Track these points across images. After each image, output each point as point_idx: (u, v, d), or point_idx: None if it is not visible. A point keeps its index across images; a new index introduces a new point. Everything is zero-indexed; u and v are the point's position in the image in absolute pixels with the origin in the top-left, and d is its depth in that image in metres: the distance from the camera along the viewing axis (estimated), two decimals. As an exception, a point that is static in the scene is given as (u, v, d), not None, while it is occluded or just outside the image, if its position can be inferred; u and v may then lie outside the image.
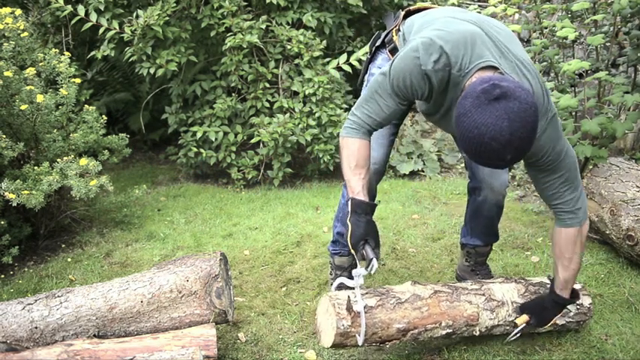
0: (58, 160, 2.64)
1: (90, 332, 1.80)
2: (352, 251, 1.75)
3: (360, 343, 1.72)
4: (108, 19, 3.58)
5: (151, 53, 3.57)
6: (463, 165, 4.07)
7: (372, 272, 1.69)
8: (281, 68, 3.79)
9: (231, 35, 3.56)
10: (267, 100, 3.75)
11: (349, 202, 1.75)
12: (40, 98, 2.58)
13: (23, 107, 2.54)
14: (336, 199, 3.45)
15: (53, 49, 3.02)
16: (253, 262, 2.68)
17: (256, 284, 2.47)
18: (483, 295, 1.90)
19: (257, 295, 2.38)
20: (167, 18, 3.48)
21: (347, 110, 3.89)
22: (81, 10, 3.57)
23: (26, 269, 2.71)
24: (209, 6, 3.63)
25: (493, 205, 2.19)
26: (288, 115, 3.68)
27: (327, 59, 3.83)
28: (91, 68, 4.49)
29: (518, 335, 1.91)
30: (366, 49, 3.84)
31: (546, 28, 3.07)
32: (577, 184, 1.72)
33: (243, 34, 3.54)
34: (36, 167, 2.61)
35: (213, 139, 3.70)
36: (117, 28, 3.56)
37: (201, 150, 3.77)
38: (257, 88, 3.73)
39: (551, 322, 1.89)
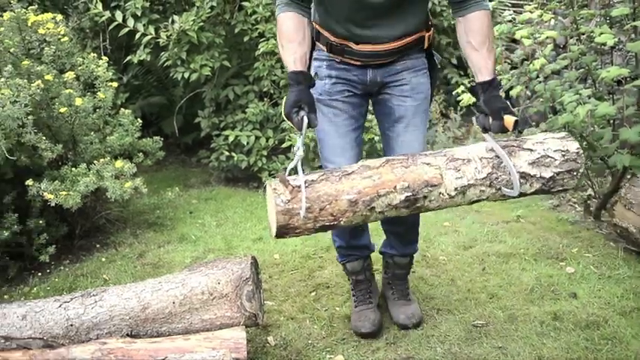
0: (95, 161, 2.70)
1: (123, 331, 1.83)
2: (287, 120, 1.72)
3: (302, 215, 1.57)
4: (144, 25, 3.66)
5: (185, 58, 3.63)
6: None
7: (310, 128, 1.67)
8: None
9: (264, 41, 3.59)
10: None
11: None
12: (78, 101, 2.65)
13: (62, 110, 2.61)
14: (366, 205, 3.44)
15: (91, 54, 3.10)
16: (283, 266, 2.69)
17: (286, 288, 2.48)
18: (445, 155, 1.71)
19: (286, 299, 2.39)
20: (202, 23, 3.54)
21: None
22: (118, 15, 3.66)
23: (62, 268, 2.78)
24: (243, 12, 3.68)
25: None
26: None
27: (359, 64, 3.83)
28: (127, 72, 4.59)
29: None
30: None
31: (584, 34, 3.00)
32: None
33: (275, 40, 3.56)
34: (73, 168, 2.67)
35: (245, 143, 3.73)
36: (153, 33, 3.63)
37: (233, 154, 3.81)
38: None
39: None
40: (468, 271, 2.56)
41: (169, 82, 4.60)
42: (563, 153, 1.72)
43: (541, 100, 2.88)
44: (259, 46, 3.59)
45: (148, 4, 3.74)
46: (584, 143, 2.80)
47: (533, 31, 2.72)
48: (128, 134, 3.02)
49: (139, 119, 3.15)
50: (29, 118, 2.44)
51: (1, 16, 2.90)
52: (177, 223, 3.29)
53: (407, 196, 1.66)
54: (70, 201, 2.49)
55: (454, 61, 4.77)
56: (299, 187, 1.58)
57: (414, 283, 2.44)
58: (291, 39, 1.77)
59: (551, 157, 1.71)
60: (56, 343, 1.79)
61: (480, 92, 1.78)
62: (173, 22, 3.58)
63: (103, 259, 2.85)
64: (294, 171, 1.64)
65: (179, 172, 4.39)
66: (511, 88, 2.84)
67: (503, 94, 1.79)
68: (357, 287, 2.21)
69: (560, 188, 1.76)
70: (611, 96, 3.11)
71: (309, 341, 2.09)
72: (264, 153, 3.78)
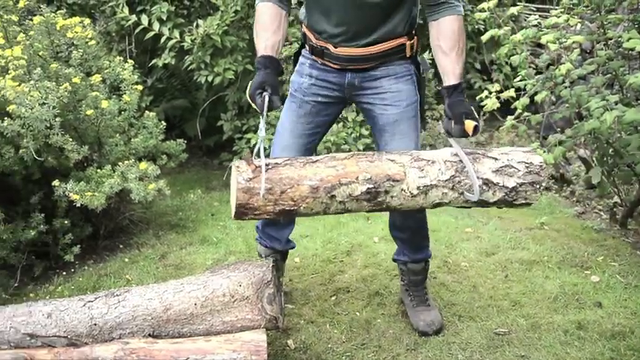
0: (120, 163, 2.74)
1: (145, 332, 1.85)
2: (251, 102, 1.77)
3: (261, 195, 1.59)
4: (169, 29, 3.70)
5: (209, 61, 3.66)
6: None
7: (271, 109, 1.72)
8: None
9: (287, 45, 3.61)
10: (321, 109, 3.77)
11: None
12: (104, 104, 2.69)
13: (89, 112, 2.66)
14: (387, 210, 3.43)
15: (117, 57, 3.15)
16: (303, 269, 2.69)
17: (306, 292, 2.48)
18: (410, 155, 1.75)
19: (306, 303, 2.39)
20: (226, 27, 3.57)
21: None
22: (144, 19, 3.71)
23: (86, 267, 2.82)
24: (266, 16, 3.69)
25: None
26: (341, 124, 3.69)
27: (382, 69, 3.82)
28: (152, 75, 4.65)
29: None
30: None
31: (611, 39, 2.96)
32: None
33: (298, 44, 3.58)
34: (99, 170, 2.71)
35: (267, 147, 3.74)
36: (178, 37, 3.68)
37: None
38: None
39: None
40: (490, 277, 2.53)
41: (193, 86, 4.65)
42: (526, 165, 1.75)
43: (566, 105, 2.84)
44: (282, 50, 3.60)
45: (173, 9, 3.79)
46: (611, 150, 2.75)
47: (560, 36, 2.68)
48: (152, 137, 3.06)
49: (162, 122, 3.18)
50: (57, 120, 2.48)
51: (31, 20, 2.96)
52: (198, 225, 3.32)
53: (368, 188, 1.68)
54: (95, 202, 2.52)
55: (477, 65, 4.73)
56: (259, 168, 1.61)
57: (435, 289, 2.43)
58: (265, 28, 1.86)
59: (515, 168, 1.74)
60: (80, 342, 1.82)
61: (445, 96, 1.82)
62: (198, 26, 3.62)
63: (126, 260, 2.89)
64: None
65: (201, 174, 4.42)
66: (536, 93, 2.80)
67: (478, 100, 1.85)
68: None
69: (524, 201, 1.77)
70: (639, 102, 3.05)
71: (329, 345, 2.08)
72: (286, 156, 3.79)
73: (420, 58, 2.01)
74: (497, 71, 4.63)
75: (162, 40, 3.72)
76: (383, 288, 2.46)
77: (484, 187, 1.72)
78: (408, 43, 1.93)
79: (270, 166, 1.64)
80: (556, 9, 2.92)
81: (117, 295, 1.89)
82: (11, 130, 2.39)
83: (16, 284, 2.63)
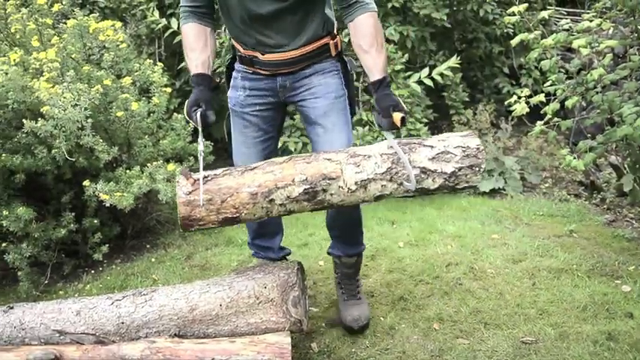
0: (148, 164, 2.78)
1: (171, 331, 1.87)
2: (188, 119, 1.85)
3: (200, 203, 1.68)
4: (198, 32, 3.74)
5: (236, 65, 3.69)
6: (547, 185, 3.90)
7: (207, 124, 1.80)
8: (361, 81, 3.80)
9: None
10: (347, 113, 3.77)
11: None
12: (134, 106, 2.74)
13: (119, 114, 2.70)
14: (413, 214, 3.41)
15: (147, 60, 3.20)
16: (327, 273, 2.69)
17: (330, 295, 2.47)
18: (347, 152, 1.78)
19: (331, 306, 2.39)
20: (253, 31, 3.59)
21: (427, 124, 3.84)
22: (174, 23, 3.76)
23: (114, 266, 2.86)
24: (294, 19, 3.71)
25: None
26: (367, 127, 3.68)
27: (409, 73, 3.81)
28: (180, 78, 4.70)
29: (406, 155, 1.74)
30: (449, 63, 3.80)
31: (645, 43, 2.89)
32: None
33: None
34: (128, 171, 2.76)
35: (293, 150, 3.76)
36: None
37: (280, 160, 3.84)
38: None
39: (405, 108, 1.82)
40: (517, 285, 2.49)
41: (220, 88, 4.69)
42: (463, 149, 1.76)
43: (598, 111, 2.78)
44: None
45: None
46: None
47: (592, 40, 2.63)
48: (180, 138, 3.10)
49: (190, 124, 3.22)
50: (88, 121, 2.53)
51: (65, 24, 3.03)
52: (224, 227, 3.34)
53: (305, 189, 1.73)
54: (124, 202, 2.56)
55: (506, 70, 4.68)
56: (198, 181, 1.70)
57: (460, 296, 2.40)
58: (192, 48, 1.92)
59: (452, 153, 1.75)
60: (107, 340, 1.85)
61: (373, 91, 1.87)
62: (226, 29, 3.65)
63: (153, 260, 2.93)
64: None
65: (227, 176, 4.45)
66: (566, 98, 2.76)
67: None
68: None
69: (466, 185, 1.79)
70: (673, 108, 2.98)
71: (353, 350, 2.08)
72: (311, 159, 3.80)
73: (347, 58, 2.07)
74: (525, 76, 4.57)
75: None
76: (407, 293, 2.45)
77: (422, 176, 1.74)
78: (331, 42, 1.99)
79: (209, 178, 1.73)
80: (588, 13, 2.87)
81: (144, 294, 1.91)
82: (44, 131, 2.45)
83: (46, 281, 2.69)
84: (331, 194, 1.76)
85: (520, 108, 2.81)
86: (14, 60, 2.58)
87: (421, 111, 3.82)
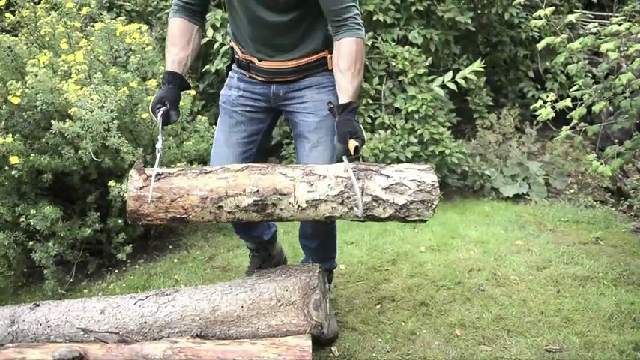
0: (172, 165, 2.81)
1: (193, 331, 1.88)
2: (152, 116, 1.87)
3: (148, 201, 1.72)
4: (223, 35, 3.78)
5: (260, 67, 3.71)
6: (572, 191, 3.84)
7: (169, 124, 1.85)
8: (384, 85, 3.80)
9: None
10: (369, 116, 3.77)
11: None
12: (159, 108, 2.76)
13: (144, 116, 2.74)
14: (435, 219, 3.38)
15: (172, 63, 3.23)
16: (348, 276, 2.68)
17: (351, 299, 2.47)
18: (303, 170, 1.79)
19: (351, 310, 2.38)
20: (277, 34, 3.61)
21: (450, 129, 3.82)
22: (199, 26, 3.80)
23: (137, 266, 2.90)
24: (318, 23, 3.72)
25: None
26: (389, 131, 3.67)
27: (432, 76, 3.79)
28: (203, 80, 4.75)
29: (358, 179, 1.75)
30: (474, 67, 3.77)
31: (676, 47, 2.83)
32: (358, 6, 1.86)
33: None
34: (152, 172, 2.79)
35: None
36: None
37: (302, 162, 3.85)
38: (360, 103, 3.76)
39: (364, 136, 1.81)
40: (541, 292, 2.45)
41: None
42: (418, 183, 1.76)
43: (626, 116, 2.74)
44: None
45: (227, 15, 3.86)
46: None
47: (620, 44, 2.59)
48: (203, 140, 3.12)
49: (213, 126, 3.24)
50: (114, 122, 2.57)
51: (93, 27, 3.08)
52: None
53: (255, 201, 1.75)
54: (148, 203, 2.59)
55: (531, 74, 4.62)
56: (150, 177, 1.74)
57: (482, 302, 2.38)
58: (174, 42, 1.92)
59: (406, 186, 1.75)
60: (130, 339, 1.87)
61: (337, 114, 1.84)
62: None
63: (175, 260, 2.95)
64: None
65: (249, 178, 4.48)
66: (593, 103, 2.71)
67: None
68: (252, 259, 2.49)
69: (417, 218, 1.79)
70: None
71: (373, 354, 2.07)
72: (333, 163, 3.80)
73: None
74: (551, 80, 4.51)
75: (215, 46, 3.80)
76: (429, 298, 2.43)
77: (374, 204, 1.75)
78: (329, 56, 1.99)
79: (162, 176, 1.76)
80: (616, 16, 2.82)
81: (167, 294, 1.93)
82: (72, 132, 2.49)
83: (71, 280, 2.74)
84: (281, 209, 1.78)
85: (546, 113, 2.77)
86: (44, 62, 2.63)
87: (444, 115, 3.80)
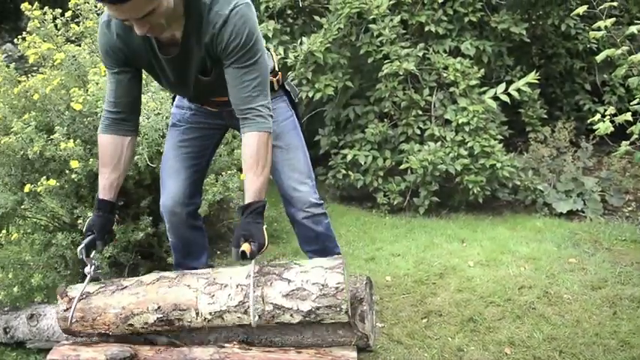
0: (222, 173, 2.86)
1: (239, 337, 1.91)
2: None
3: (68, 323, 1.85)
4: (275, 45, 3.84)
5: (310, 78, 3.75)
6: (630, 209, 3.69)
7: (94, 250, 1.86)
8: (435, 96, 3.76)
9: (388, 62, 3.62)
10: (419, 128, 3.74)
11: None
12: (212, 116, 2.83)
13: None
14: (485, 233, 3.32)
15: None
16: (394, 288, 2.66)
17: (396, 312, 2.44)
18: (206, 279, 1.81)
19: (396, 323, 2.36)
20: (328, 45, 3.65)
21: (501, 141, 3.74)
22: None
23: (186, 271, 2.95)
24: (369, 34, 3.73)
25: (301, 223, 2.19)
26: (439, 143, 3.63)
27: (484, 88, 3.73)
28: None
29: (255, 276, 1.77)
30: (528, 78, 3.69)
31: None
32: (267, 93, 1.79)
33: (400, 62, 3.58)
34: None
35: (363, 163, 3.76)
36: (282, 53, 3.80)
37: (350, 172, 3.85)
38: (409, 114, 3.74)
39: (266, 239, 1.74)
40: (596, 313, 2.36)
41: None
42: (320, 287, 1.67)
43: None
44: (383, 68, 3.62)
45: (279, 27, 3.93)
46: None
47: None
48: (253, 148, 3.17)
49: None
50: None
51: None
52: (292, 237, 3.37)
53: (159, 317, 1.79)
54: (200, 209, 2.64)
55: (587, 86, 4.48)
56: (74, 298, 1.86)
57: (533, 321, 2.31)
58: (105, 163, 1.91)
59: (308, 290, 1.67)
60: (179, 342, 1.91)
61: (240, 215, 1.82)
62: (302, 43, 3.72)
63: (223, 266, 2.99)
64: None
65: (296, 187, 4.50)
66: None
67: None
68: None
69: (332, 321, 1.72)
70: None
71: (419, 369, 2.04)
72: (381, 173, 3.79)
73: (289, 86, 2.15)
74: (609, 93, 4.36)
75: (267, 56, 3.87)
76: (477, 314, 2.37)
77: (277, 311, 1.72)
78: (274, 79, 2.03)
79: (83, 297, 1.86)
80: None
81: (215, 299, 1.96)
82: (128, 138, 2.57)
83: (123, 281, 2.82)
84: (189, 322, 1.80)
85: (604, 127, 2.69)
86: (104, 70, 2.73)
87: (496, 127, 3.73)
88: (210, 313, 1.79)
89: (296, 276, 1.75)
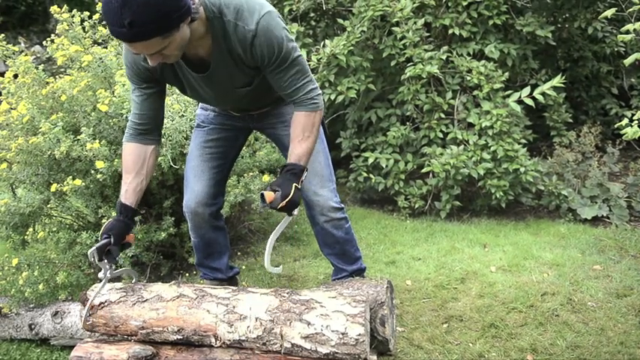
0: (244, 174, 2.88)
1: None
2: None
3: (81, 325, 1.91)
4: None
5: (333, 80, 3.75)
6: (658, 215, 3.61)
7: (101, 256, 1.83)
8: (458, 99, 3.73)
9: (411, 65, 3.60)
10: (441, 131, 3.71)
11: None
12: (234, 118, 2.85)
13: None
14: (507, 238, 3.28)
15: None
16: (415, 293, 2.64)
17: (417, 316, 2.43)
18: (226, 306, 1.78)
19: (417, 327, 2.34)
20: (351, 47, 3.64)
21: (525, 145, 3.70)
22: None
23: (207, 271, 2.98)
24: (392, 37, 3.72)
25: (321, 226, 2.21)
26: (461, 147, 3.60)
27: (508, 92, 3.69)
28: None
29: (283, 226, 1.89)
30: (553, 82, 3.64)
31: None
32: (309, 75, 1.85)
33: (423, 65, 3.56)
34: (225, 180, 2.87)
35: (384, 166, 3.75)
36: (305, 56, 3.80)
37: (371, 175, 3.84)
38: (432, 118, 3.72)
39: (292, 192, 1.76)
40: (621, 321, 2.32)
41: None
42: (340, 336, 1.62)
43: None
44: (406, 71, 3.61)
45: (302, 29, 3.94)
46: None
47: None
48: (275, 151, 3.19)
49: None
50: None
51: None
52: (312, 239, 3.38)
53: (179, 338, 1.81)
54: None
55: (614, 90, 4.41)
56: (97, 305, 1.90)
57: (557, 328, 2.27)
58: (128, 170, 1.94)
59: (327, 337, 1.63)
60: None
61: (280, 172, 1.88)
62: (325, 45, 3.73)
63: (243, 267, 3.02)
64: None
65: (317, 189, 4.51)
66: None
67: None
68: None
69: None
70: None
71: (439, 374, 2.02)
72: (402, 177, 3.77)
73: None
74: (637, 97, 4.28)
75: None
76: (499, 320, 2.35)
77: (296, 349, 1.70)
78: None
79: (105, 303, 1.89)
80: None
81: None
82: (152, 139, 2.61)
83: (145, 280, 2.85)
84: (208, 344, 1.81)
85: (632, 132, 2.63)
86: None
87: (520, 131, 3.68)
88: (229, 340, 1.81)
89: (317, 319, 1.70)
